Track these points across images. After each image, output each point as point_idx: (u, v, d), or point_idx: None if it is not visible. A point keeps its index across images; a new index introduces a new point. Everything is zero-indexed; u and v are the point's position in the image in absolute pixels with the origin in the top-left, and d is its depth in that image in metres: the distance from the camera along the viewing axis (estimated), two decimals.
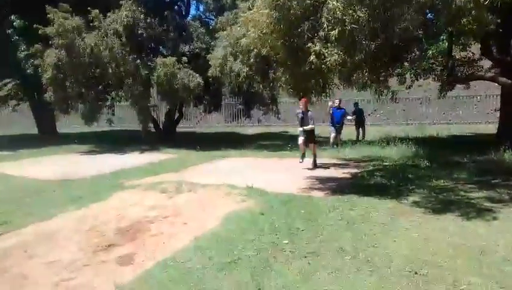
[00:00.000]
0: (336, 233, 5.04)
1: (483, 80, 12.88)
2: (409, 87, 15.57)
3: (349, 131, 15.08)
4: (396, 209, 5.99)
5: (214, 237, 4.93)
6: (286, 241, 4.74)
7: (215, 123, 25.93)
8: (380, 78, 8.32)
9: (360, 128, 15.60)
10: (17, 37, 16.55)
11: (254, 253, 4.42)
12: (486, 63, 13.92)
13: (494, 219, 5.44)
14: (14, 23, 16.37)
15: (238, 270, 4.01)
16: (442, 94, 13.63)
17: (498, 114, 14.20)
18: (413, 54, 10.80)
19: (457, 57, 13.56)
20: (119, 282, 3.83)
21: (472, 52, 14.45)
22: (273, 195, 6.76)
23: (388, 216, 5.69)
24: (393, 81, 12.70)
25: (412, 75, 14.49)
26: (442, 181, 7.68)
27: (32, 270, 4.32)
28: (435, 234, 4.95)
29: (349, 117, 14.37)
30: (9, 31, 16.55)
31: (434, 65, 13.84)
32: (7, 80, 21.70)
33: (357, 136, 15.45)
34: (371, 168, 9.43)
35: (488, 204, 6.12)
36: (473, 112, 21.97)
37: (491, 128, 15.57)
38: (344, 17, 5.64)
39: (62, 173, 9.56)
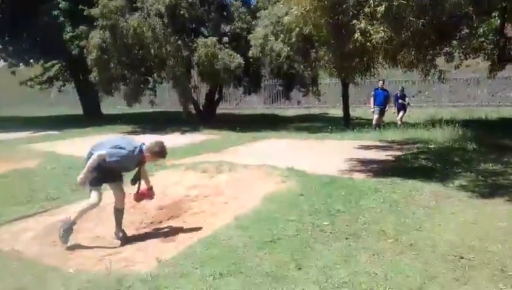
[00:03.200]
0: (378, 216, 4.93)
1: None
2: (457, 67, 14.87)
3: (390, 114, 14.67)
4: (441, 193, 5.78)
5: (254, 217, 4.94)
6: (326, 223, 4.68)
7: (254, 105, 25.88)
8: (428, 57, 7.96)
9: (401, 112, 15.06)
10: (62, 19, 16.99)
11: (294, 233, 4.39)
12: None
13: None
14: (60, 5, 16.80)
15: (278, 249, 4.00)
16: (492, 75, 12.97)
17: None
18: (463, 32, 10.29)
19: (509, 35, 12.81)
20: (161, 258, 3.90)
21: None
22: (314, 176, 6.67)
23: (433, 200, 5.50)
24: (440, 61, 12.17)
25: (461, 53, 13.83)
26: (490, 165, 7.32)
27: (80, 244, 4.49)
28: (482, 218, 4.76)
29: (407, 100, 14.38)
30: (56, 13, 17.00)
31: (485, 43, 13.14)
32: (54, 62, 22.44)
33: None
34: (415, 150, 9.13)
35: None
36: None
37: None
38: None
39: None
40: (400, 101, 14.24)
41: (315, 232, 4.41)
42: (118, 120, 17.87)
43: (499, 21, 10.63)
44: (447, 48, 12.82)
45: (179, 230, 4.91)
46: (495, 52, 11.66)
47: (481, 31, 11.70)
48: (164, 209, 5.67)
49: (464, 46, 12.74)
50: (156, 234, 4.90)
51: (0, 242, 4.54)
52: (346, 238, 4.24)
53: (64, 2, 16.71)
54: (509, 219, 4.66)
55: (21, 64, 22.01)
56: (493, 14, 10.67)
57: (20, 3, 17.60)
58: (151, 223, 5.29)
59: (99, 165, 4.37)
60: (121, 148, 4.43)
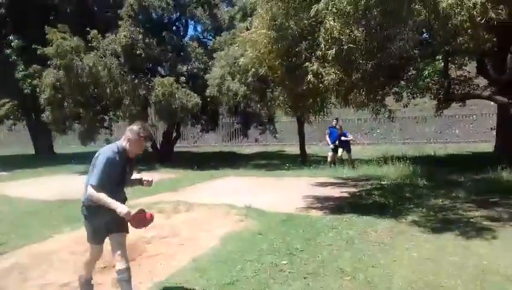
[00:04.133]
0: (335, 253, 4.99)
1: (480, 99, 12.96)
2: (406, 106, 15.67)
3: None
4: (395, 229, 5.95)
5: (212, 258, 4.86)
6: (285, 262, 4.68)
7: (212, 142, 25.95)
8: (377, 97, 8.36)
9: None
10: (15, 57, 16.63)
11: (253, 274, 4.35)
12: (482, 82, 14.02)
13: (494, 237, 5.40)
14: (13, 43, 16.48)
15: None
16: (439, 113, 13.70)
17: (495, 132, 14.24)
18: (410, 73, 10.90)
19: (453, 76, 13.67)
20: None
21: (468, 71, 14.56)
22: (272, 214, 6.71)
23: (387, 236, 5.64)
24: (389, 100, 12.75)
25: (409, 93, 14.58)
26: (440, 200, 7.66)
27: None
28: (435, 253, 4.90)
29: (349, 136, 14.01)
30: (8, 51, 16.64)
31: (430, 84, 13.94)
32: (5, 100, 21.72)
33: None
34: (369, 187, 9.40)
35: (487, 223, 6.08)
36: (469, 131, 22.07)
37: (488, 146, 15.59)
38: (341, 37, 5.70)
39: (59, 194, 9.47)
40: (342, 138, 13.66)
41: (274, 272, 4.38)
42: (72, 160, 17.33)
43: (442, 63, 11.33)
44: (396, 88, 13.53)
45: (134, 275, 4.73)
46: (440, 92, 12.36)
47: (426, 72, 12.45)
48: None
49: (411, 87, 13.50)
50: (109, 279, 4.70)
51: None
52: (305, 278, 4.24)
53: (17, 41, 16.39)
54: (461, 253, 4.83)
55: None
56: (438, 56, 11.40)
57: None
58: (104, 267, 5.08)
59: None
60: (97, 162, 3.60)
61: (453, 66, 13.36)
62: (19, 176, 13.75)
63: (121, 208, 3.37)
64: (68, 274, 4.66)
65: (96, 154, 3.66)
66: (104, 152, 3.58)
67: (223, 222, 6.41)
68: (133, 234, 6.04)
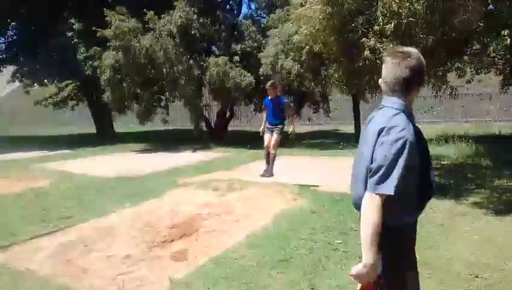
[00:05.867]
0: None
1: None
2: (469, 82, 14.80)
3: None
4: (455, 210, 5.73)
5: (266, 235, 4.92)
6: (339, 241, 4.64)
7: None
8: (438, 73, 7.95)
9: None
10: (76, 40, 17.33)
11: (307, 252, 4.36)
12: None
13: None
14: (74, 26, 17.15)
15: (290, 269, 3.97)
16: (505, 89, 12.87)
17: None
18: (474, 48, 10.26)
19: None
20: (173, 277, 3.89)
21: None
22: (325, 194, 6.65)
23: (447, 217, 5.44)
24: (451, 76, 12.11)
25: (473, 69, 13.76)
26: (505, 181, 7.23)
27: (92, 264, 4.50)
28: (497, 236, 4.68)
29: None
30: (70, 34, 17.35)
31: (496, 59, 13.07)
32: (68, 82, 22.83)
33: None
34: None
35: None
36: None
37: None
38: (400, 10, 5.45)
39: (119, 171, 9.90)
40: None
41: (328, 251, 4.37)
42: (130, 138, 18.03)
43: (509, 39, 10.57)
44: (458, 64, 12.79)
45: (191, 249, 4.90)
46: (507, 67, 11.57)
47: (492, 48, 11.64)
48: (176, 228, 5.66)
49: (475, 63, 12.70)
50: (168, 252, 4.89)
51: (15, 261, 4.57)
52: (360, 257, 4.18)
53: (77, 23, 17.03)
54: None
55: (35, 84, 22.43)
56: (504, 32, 10.62)
57: (36, 25, 18.04)
58: (163, 241, 5.28)
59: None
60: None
61: None
62: (82, 154, 14.49)
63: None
64: (130, 247, 4.88)
65: (372, 125, 2.12)
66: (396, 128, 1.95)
67: (276, 201, 6.44)
68: (190, 210, 6.27)
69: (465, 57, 11.66)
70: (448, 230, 4.97)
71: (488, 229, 4.95)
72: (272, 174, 8.35)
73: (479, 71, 14.13)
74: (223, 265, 4.11)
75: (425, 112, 22.53)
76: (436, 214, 5.57)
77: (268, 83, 8.33)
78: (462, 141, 11.01)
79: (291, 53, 11.85)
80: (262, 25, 16.20)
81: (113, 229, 5.47)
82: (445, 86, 8.70)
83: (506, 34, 10.44)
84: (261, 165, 8.94)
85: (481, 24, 7.55)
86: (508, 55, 10.89)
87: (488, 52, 11.05)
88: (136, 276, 4.18)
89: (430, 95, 14.76)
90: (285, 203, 6.27)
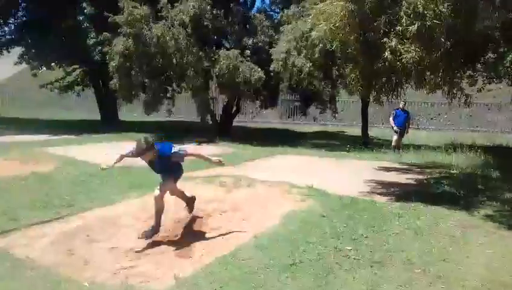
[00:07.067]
0: (402, 243, 4.74)
1: None
2: (480, 91, 14.61)
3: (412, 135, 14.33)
4: (467, 222, 5.58)
5: (274, 237, 4.78)
6: (350, 248, 4.50)
7: (270, 119, 25.73)
8: (454, 80, 7.78)
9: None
10: (87, 24, 17.13)
11: (316, 257, 4.22)
12: None
13: None
14: (85, 10, 16.96)
15: (300, 274, 3.83)
16: None
17: None
18: (488, 56, 10.08)
19: None
20: (178, 275, 3.76)
21: None
22: (334, 197, 6.49)
23: (458, 229, 5.30)
24: (463, 84, 11.93)
25: (485, 78, 13.57)
26: None
27: (94, 255, 4.37)
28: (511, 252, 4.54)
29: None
30: (80, 18, 17.15)
31: (509, 70, 12.87)
32: (75, 66, 22.65)
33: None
34: (437, 175, 8.90)
35: None
36: None
37: None
38: (425, 12, 5.28)
39: (124, 161, 9.73)
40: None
41: (338, 258, 4.23)
42: (134, 128, 17.87)
43: None
44: (470, 72, 12.59)
45: (196, 246, 4.77)
46: None
47: (509, 58, 11.45)
48: (180, 223, 5.54)
49: (488, 71, 12.50)
50: (172, 248, 4.76)
51: (16, 248, 4.45)
52: (371, 266, 4.06)
53: (89, 7, 16.85)
54: None
55: (43, 66, 22.24)
56: None
57: (47, 6, 17.83)
58: (168, 236, 5.16)
59: None
60: None
61: None
62: (86, 140, 14.27)
63: None
64: (133, 240, 4.76)
65: None
66: None
67: (284, 200, 6.29)
68: (195, 206, 6.12)
69: (478, 65, 11.49)
70: (461, 243, 4.83)
71: (501, 243, 4.82)
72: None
73: (492, 80, 13.96)
74: (231, 266, 3.97)
75: (431, 119, 22.39)
76: (447, 225, 5.44)
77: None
78: (471, 151, 10.83)
79: (304, 50, 11.66)
80: (275, 20, 16.00)
81: (117, 220, 5.35)
82: (459, 93, 8.54)
83: None
84: (268, 162, 8.79)
85: (498, 33, 7.40)
86: None
87: (505, 62, 10.90)
88: (139, 271, 4.06)
89: (442, 102, 14.58)
90: (293, 203, 6.12)
